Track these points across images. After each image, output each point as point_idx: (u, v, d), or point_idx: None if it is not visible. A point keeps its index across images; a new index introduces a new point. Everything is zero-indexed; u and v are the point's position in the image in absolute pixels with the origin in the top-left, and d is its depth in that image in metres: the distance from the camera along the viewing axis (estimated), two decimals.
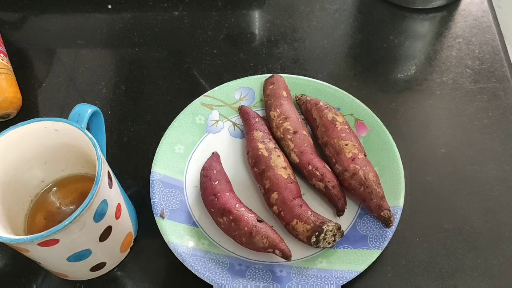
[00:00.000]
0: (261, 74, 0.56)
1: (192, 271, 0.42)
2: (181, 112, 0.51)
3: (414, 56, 0.59)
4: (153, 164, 0.48)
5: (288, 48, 0.59)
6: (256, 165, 0.47)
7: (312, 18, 0.62)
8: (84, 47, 0.60)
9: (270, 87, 0.52)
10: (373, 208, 0.44)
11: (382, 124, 0.49)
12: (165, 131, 0.50)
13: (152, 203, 0.46)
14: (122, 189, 0.44)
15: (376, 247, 0.43)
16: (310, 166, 0.46)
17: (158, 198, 0.46)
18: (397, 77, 0.57)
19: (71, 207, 0.44)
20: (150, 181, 0.47)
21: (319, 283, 0.42)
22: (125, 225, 0.43)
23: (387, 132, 0.49)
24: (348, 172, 0.45)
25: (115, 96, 0.56)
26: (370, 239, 0.44)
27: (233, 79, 0.54)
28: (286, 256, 0.41)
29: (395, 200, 0.45)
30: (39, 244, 0.35)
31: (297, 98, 0.52)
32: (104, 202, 0.38)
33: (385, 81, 0.56)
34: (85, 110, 0.40)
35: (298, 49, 0.59)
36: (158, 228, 0.45)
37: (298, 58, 0.58)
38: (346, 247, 0.44)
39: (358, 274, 0.42)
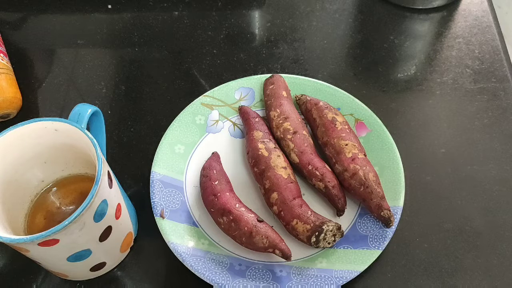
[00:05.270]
0: (261, 74, 0.56)
1: (192, 271, 0.42)
2: (181, 112, 0.51)
3: (414, 56, 0.59)
4: (153, 164, 0.48)
5: (288, 48, 0.59)
6: (256, 165, 0.47)
7: (312, 18, 0.62)
8: (84, 47, 0.60)
9: (270, 87, 0.52)
10: (373, 208, 0.44)
11: (382, 124, 0.49)
12: (165, 131, 0.50)
13: (152, 203, 0.46)
14: (122, 189, 0.44)
15: (376, 247, 0.43)
16: (310, 166, 0.46)
17: (158, 198, 0.46)
18: (397, 77, 0.57)
19: (71, 207, 0.44)
20: (150, 181, 0.47)
21: (319, 283, 0.42)
22: (125, 225, 0.43)
23: (387, 132, 0.49)
24: (348, 172, 0.45)
25: (115, 96, 0.56)
26: (370, 239, 0.44)
27: (233, 79, 0.54)
28: (286, 256, 0.41)
29: (395, 200, 0.45)
30: (39, 244, 0.35)
31: (297, 98, 0.52)
32: (104, 202, 0.38)
33: (385, 81, 0.56)
34: (85, 110, 0.40)
35: (298, 49, 0.59)
36: (158, 228, 0.45)
37: (298, 58, 0.58)
38: (346, 247, 0.44)
39: (358, 274, 0.42)
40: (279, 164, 0.46)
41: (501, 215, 0.47)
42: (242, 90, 0.54)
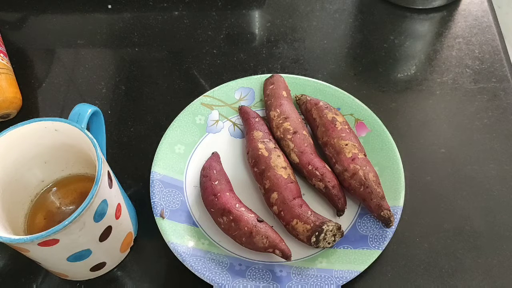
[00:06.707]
0: (261, 74, 0.56)
1: (192, 271, 0.42)
2: (181, 112, 0.51)
3: (414, 56, 0.59)
4: (153, 164, 0.48)
5: (288, 48, 0.59)
6: (256, 165, 0.47)
7: (312, 18, 0.62)
8: (84, 47, 0.60)
9: (270, 87, 0.52)
10: (373, 208, 0.44)
11: (382, 124, 0.49)
12: (165, 131, 0.50)
13: (152, 203, 0.46)
14: (122, 189, 0.44)
15: (376, 247, 0.43)
16: (310, 166, 0.46)
17: (158, 198, 0.46)
18: (397, 77, 0.57)
19: (71, 207, 0.44)
20: (150, 181, 0.47)
21: (319, 283, 0.42)
22: (125, 225, 0.43)
23: (387, 132, 0.49)
24: (348, 172, 0.45)
25: (115, 96, 0.56)
26: (370, 239, 0.44)
27: (233, 79, 0.54)
28: (286, 256, 0.41)
29: (395, 200, 0.45)
30: (39, 244, 0.35)
31: (297, 98, 0.52)
32: (104, 202, 0.38)
33: (385, 81, 0.56)
34: (85, 110, 0.40)
35: (298, 49, 0.59)
36: (158, 228, 0.45)
37: (298, 58, 0.58)
38: (346, 247, 0.44)
39: (358, 274, 0.42)
40: (279, 164, 0.46)
41: (501, 215, 0.47)
42: (242, 90, 0.54)
